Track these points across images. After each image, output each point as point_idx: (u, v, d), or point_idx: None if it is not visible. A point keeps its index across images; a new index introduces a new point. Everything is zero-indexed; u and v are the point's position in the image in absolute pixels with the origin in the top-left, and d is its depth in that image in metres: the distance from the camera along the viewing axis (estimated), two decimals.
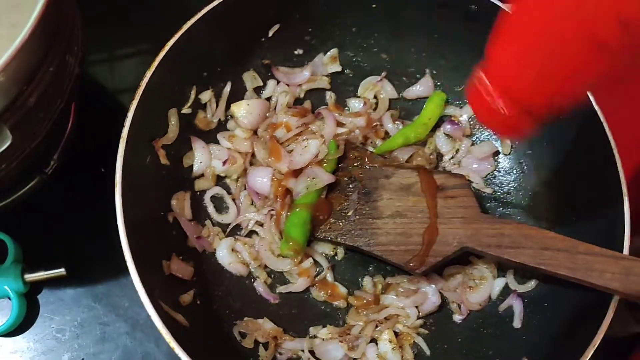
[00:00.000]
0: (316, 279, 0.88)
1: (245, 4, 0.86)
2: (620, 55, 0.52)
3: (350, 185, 0.90)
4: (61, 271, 0.89)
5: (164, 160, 0.84)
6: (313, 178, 0.87)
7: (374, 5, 0.94)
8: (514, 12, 0.59)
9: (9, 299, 0.89)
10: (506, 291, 0.88)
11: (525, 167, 0.95)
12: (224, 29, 0.85)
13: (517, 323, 0.85)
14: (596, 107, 0.82)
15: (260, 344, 0.81)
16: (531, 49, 0.56)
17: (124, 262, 0.88)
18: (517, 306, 0.86)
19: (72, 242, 0.93)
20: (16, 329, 0.88)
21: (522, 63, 0.58)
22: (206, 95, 0.90)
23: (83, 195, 0.96)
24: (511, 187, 0.95)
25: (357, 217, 0.87)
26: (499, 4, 0.88)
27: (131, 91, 1.03)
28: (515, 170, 0.95)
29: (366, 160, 0.91)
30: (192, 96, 0.88)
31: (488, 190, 0.95)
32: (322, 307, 0.87)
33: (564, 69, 0.55)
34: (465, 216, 0.83)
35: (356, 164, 0.91)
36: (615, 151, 0.80)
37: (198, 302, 0.80)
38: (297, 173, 0.88)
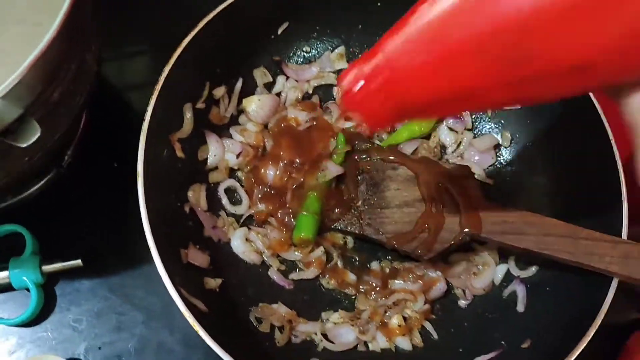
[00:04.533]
0: (327, 266, 0.90)
1: (257, 2, 0.88)
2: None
3: (359, 177, 0.93)
4: (77, 262, 0.91)
5: (179, 154, 0.86)
6: (323, 170, 0.90)
7: (378, 4, 0.97)
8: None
9: (27, 290, 0.91)
10: (509, 277, 0.92)
11: (525, 159, 0.98)
12: (237, 27, 0.88)
13: (520, 307, 0.86)
14: (592, 96, 0.85)
15: (276, 328, 0.84)
16: (445, 56, 0.48)
17: (138, 254, 0.93)
18: (520, 291, 0.89)
19: (87, 234, 0.96)
20: (34, 319, 0.90)
21: (425, 64, 0.50)
22: (220, 91, 0.93)
23: (97, 189, 0.98)
24: (512, 178, 0.99)
25: (366, 207, 0.91)
26: None
27: (140, 88, 1.08)
28: (515, 162, 0.99)
29: (373, 153, 0.94)
30: (206, 92, 0.90)
31: (489, 181, 0.98)
32: (333, 294, 0.90)
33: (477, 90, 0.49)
34: (469, 204, 0.87)
35: (364, 156, 0.94)
36: (613, 142, 0.84)
37: (217, 289, 0.83)
38: (309, 167, 0.91)
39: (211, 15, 0.84)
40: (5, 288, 0.91)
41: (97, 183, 0.99)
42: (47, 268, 0.91)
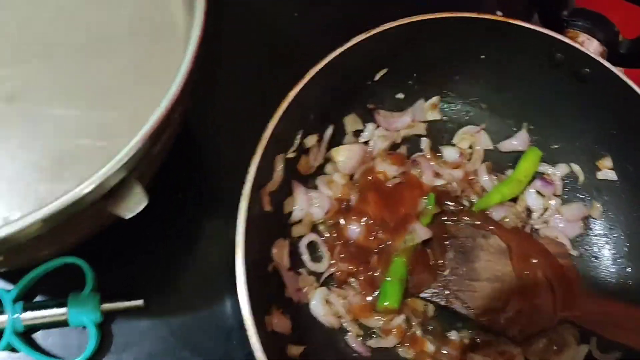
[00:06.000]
0: (406, 335, 0.86)
1: (362, 51, 0.82)
2: None
3: (447, 242, 0.88)
4: (139, 303, 0.86)
5: (267, 207, 0.81)
6: (410, 232, 0.85)
7: (482, 56, 0.91)
8: None
9: (83, 327, 0.86)
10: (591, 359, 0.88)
11: (615, 234, 0.94)
12: (340, 76, 0.82)
13: None
14: None
15: None
16: None
17: (201, 296, 0.87)
18: None
19: (149, 272, 0.91)
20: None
21: None
22: (312, 140, 0.87)
23: (165, 225, 0.93)
24: (599, 252, 0.94)
25: (454, 277, 0.86)
26: (612, 68, 0.86)
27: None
28: (605, 235, 0.94)
29: (463, 216, 0.89)
30: (298, 141, 0.84)
31: (575, 253, 0.94)
32: None
33: None
34: (567, 288, 0.83)
35: (452, 219, 0.89)
36: None
37: (298, 357, 0.78)
38: (395, 226, 0.86)
39: (319, 65, 0.77)
40: (61, 324, 0.86)
41: (166, 218, 0.92)
42: (107, 307, 0.86)
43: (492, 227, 0.88)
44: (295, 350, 0.79)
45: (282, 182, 0.83)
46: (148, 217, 0.91)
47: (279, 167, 0.82)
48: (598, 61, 0.86)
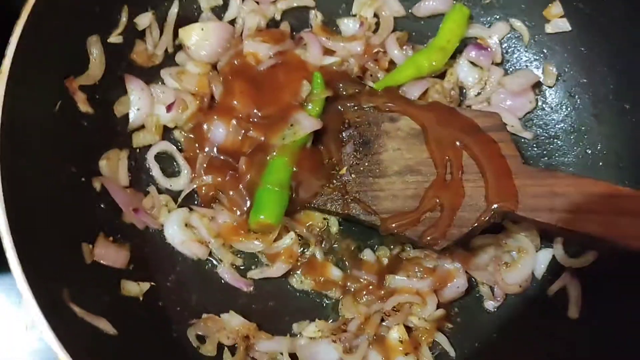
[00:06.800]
0: (300, 260, 0.66)
1: None
2: None
3: (344, 134, 0.67)
4: None
5: (84, 107, 0.63)
6: (292, 125, 0.65)
7: None
8: None
9: None
10: (556, 268, 0.68)
11: (578, 102, 0.73)
12: None
13: (573, 312, 0.65)
14: None
15: (225, 348, 0.63)
16: None
17: None
18: (573, 289, 0.66)
19: None
20: None
21: None
22: (145, 19, 0.68)
23: None
24: (559, 128, 0.75)
25: (353, 175, 0.67)
26: None
27: None
28: (564, 107, 0.75)
29: (364, 98, 0.68)
30: (124, 19, 0.65)
31: (527, 135, 0.75)
32: (309, 297, 0.69)
33: None
34: (501, 169, 0.61)
35: (350, 104, 0.68)
36: None
37: (140, 298, 0.60)
38: (271, 120, 0.65)
39: None
40: None
41: None
42: None
43: (401, 107, 0.66)
44: (134, 287, 0.61)
45: (108, 75, 0.64)
46: None
47: (95, 53, 0.62)
48: None
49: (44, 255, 0.51)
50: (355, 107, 0.69)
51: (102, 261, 0.59)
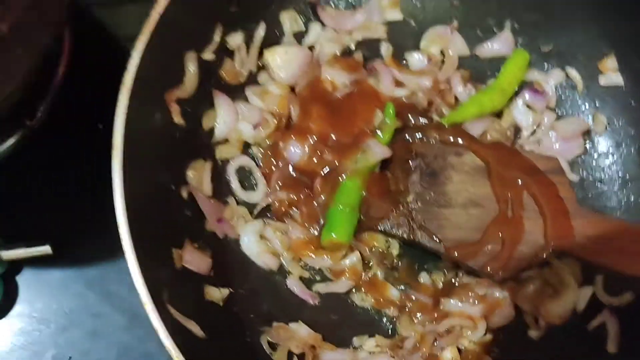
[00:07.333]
0: (363, 278, 0.70)
1: None
2: None
3: (411, 163, 0.72)
4: (46, 248, 0.74)
5: (177, 119, 0.66)
6: (364, 151, 0.69)
7: None
8: None
9: None
10: (597, 304, 0.72)
11: (625, 152, 0.77)
12: None
13: (611, 346, 0.69)
14: None
15: (295, 356, 0.66)
16: None
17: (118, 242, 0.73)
18: (613, 325, 0.70)
19: (61, 213, 0.78)
20: None
21: None
22: (236, 39, 0.71)
23: (76, 158, 0.80)
24: (605, 174, 0.78)
25: (419, 204, 0.70)
26: None
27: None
28: (611, 155, 0.78)
29: (431, 132, 0.73)
30: (217, 38, 0.69)
31: (574, 177, 0.78)
32: (370, 314, 0.73)
33: None
34: (558, 209, 0.66)
35: (418, 135, 0.73)
36: None
37: (220, 303, 0.64)
38: (345, 145, 0.70)
39: None
40: None
41: (77, 149, 0.79)
42: (8, 254, 0.74)
43: (467, 142, 0.71)
44: (216, 293, 0.64)
45: (199, 89, 0.68)
46: (63, 149, 0.80)
47: (191, 68, 0.66)
48: None
49: (149, 256, 0.55)
50: (423, 139, 0.74)
51: (189, 266, 0.62)
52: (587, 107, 0.79)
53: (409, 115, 0.74)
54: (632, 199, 0.76)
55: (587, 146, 0.79)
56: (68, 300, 0.76)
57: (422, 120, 0.74)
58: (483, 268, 0.66)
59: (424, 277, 0.73)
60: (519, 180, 0.69)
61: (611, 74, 0.77)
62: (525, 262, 0.66)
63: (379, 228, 0.71)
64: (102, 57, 0.83)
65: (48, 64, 0.73)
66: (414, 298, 0.71)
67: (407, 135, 0.73)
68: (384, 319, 0.72)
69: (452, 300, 0.71)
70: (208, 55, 0.69)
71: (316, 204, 0.70)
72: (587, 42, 0.77)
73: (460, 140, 0.72)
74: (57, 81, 0.77)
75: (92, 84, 0.80)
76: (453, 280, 0.73)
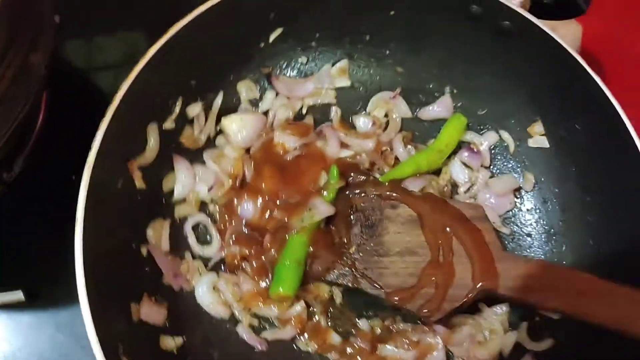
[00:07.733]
0: (307, 325, 0.77)
1: (244, 4, 0.73)
2: None
3: (352, 216, 0.79)
4: (18, 294, 0.78)
5: (139, 184, 0.72)
6: (310, 209, 0.76)
7: (392, 12, 0.82)
8: None
9: None
10: (520, 349, 0.78)
11: (550, 208, 0.84)
12: (219, 32, 0.73)
13: None
14: (636, 138, 0.70)
15: None
16: None
17: None
18: None
19: (33, 260, 0.82)
20: None
21: None
22: (195, 109, 0.78)
23: (49, 207, 0.84)
24: (532, 228, 0.85)
25: (361, 254, 0.77)
26: (535, 21, 0.77)
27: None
28: (538, 210, 0.85)
29: (369, 187, 0.80)
30: (177, 109, 0.76)
31: (506, 231, 0.84)
32: (313, 358, 0.77)
33: None
34: (484, 254, 0.73)
35: (357, 191, 0.80)
36: None
37: (174, 351, 0.69)
38: (293, 203, 0.77)
39: (189, 17, 0.68)
40: None
41: (50, 199, 0.84)
42: None
43: (400, 196, 0.78)
44: (170, 342, 0.70)
45: (160, 156, 0.74)
46: (36, 199, 0.85)
47: (152, 139, 0.73)
48: (518, 12, 0.77)
49: (107, 312, 0.61)
50: (362, 194, 0.80)
51: (146, 319, 0.68)
52: (517, 166, 0.86)
53: (352, 174, 0.81)
54: (555, 251, 0.82)
55: (517, 202, 0.85)
56: (40, 342, 0.79)
57: (362, 177, 0.81)
58: (419, 310, 0.72)
59: (363, 324, 0.78)
60: (448, 229, 0.76)
61: (538, 137, 0.83)
62: (457, 303, 0.72)
63: (325, 279, 0.76)
64: (77, 111, 0.89)
65: (27, 121, 0.79)
66: (353, 343, 0.78)
67: (348, 192, 0.80)
68: None
69: (387, 346, 0.76)
70: (169, 124, 0.75)
71: (265, 259, 0.76)
72: (517, 109, 0.84)
73: (394, 194, 0.79)
74: (35, 135, 0.84)
75: (67, 137, 0.84)
76: (390, 326, 0.79)
